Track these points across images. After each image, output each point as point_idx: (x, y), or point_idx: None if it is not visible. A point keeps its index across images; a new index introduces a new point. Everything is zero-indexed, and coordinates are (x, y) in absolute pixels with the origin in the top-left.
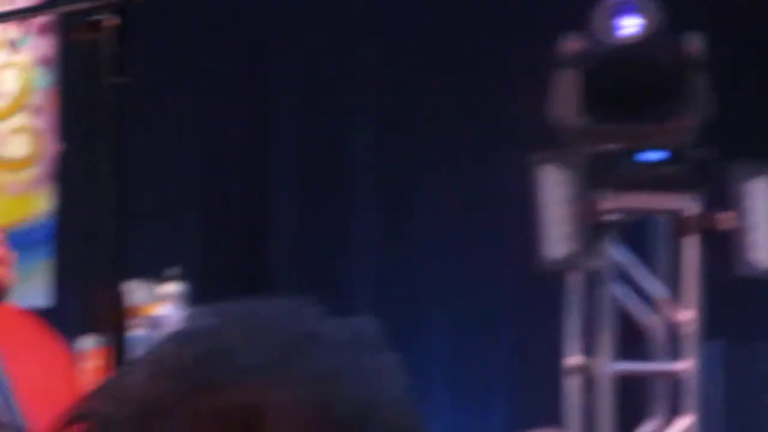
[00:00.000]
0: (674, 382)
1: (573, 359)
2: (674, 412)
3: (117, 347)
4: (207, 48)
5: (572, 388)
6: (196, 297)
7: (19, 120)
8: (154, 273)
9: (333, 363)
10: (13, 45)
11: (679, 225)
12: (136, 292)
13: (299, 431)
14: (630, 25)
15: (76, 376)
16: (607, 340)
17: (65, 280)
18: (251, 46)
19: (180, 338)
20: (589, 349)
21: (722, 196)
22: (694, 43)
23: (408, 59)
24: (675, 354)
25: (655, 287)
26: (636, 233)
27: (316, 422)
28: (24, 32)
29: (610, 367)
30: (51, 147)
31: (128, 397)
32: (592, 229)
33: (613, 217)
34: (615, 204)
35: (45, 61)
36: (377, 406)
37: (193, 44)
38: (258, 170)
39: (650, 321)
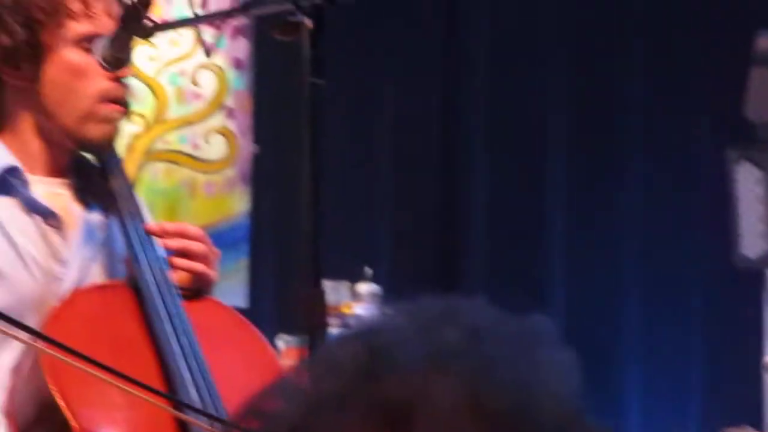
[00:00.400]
0: None
1: None
2: None
3: (314, 347)
4: (394, 53)
5: None
6: (389, 296)
7: (215, 122)
8: (349, 273)
9: (492, 357)
10: (209, 47)
11: None
12: (331, 291)
13: (453, 422)
14: None
15: (278, 372)
16: None
17: (260, 281)
18: (441, 42)
19: (349, 336)
20: None
21: None
22: None
23: (601, 50)
24: None
25: None
26: None
27: (470, 412)
28: (219, 35)
29: None
30: (246, 148)
31: (299, 393)
32: None
33: None
34: None
35: (239, 64)
36: (534, 398)
37: (384, 43)
38: (449, 168)
39: None
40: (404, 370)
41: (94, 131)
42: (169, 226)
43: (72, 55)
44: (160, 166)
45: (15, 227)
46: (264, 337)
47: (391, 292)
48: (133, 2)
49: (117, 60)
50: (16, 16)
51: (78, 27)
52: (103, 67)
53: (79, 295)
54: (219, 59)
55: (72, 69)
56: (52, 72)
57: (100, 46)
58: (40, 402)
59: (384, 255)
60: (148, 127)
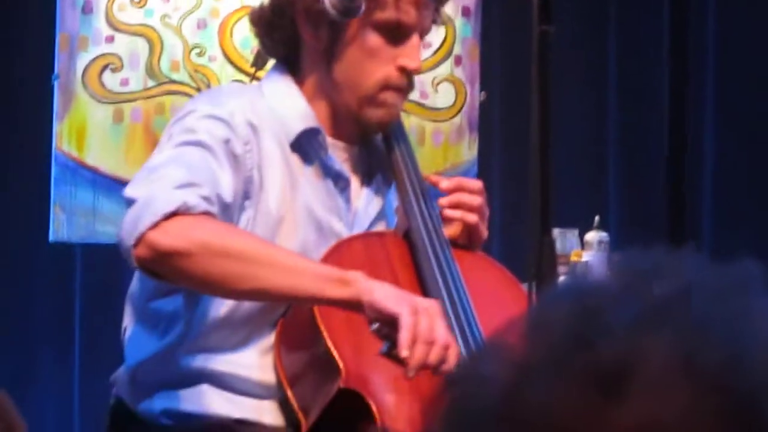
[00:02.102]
0: None
1: None
2: None
3: (543, 291)
4: None
5: None
6: (618, 244)
7: (443, 70)
8: (577, 221)
9: (705, 312)
10: None
11: None
12: (559, 239)
13: (668, 383)
14: None
15: None
16: None
17: (488, 228)
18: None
19: (557, 296)
20: None
21: None
22: None
23: None
24: None
25: None
26: None
27: (684, 372)
28: None
29: None
30: (473, 96)
31: (511, 356)
32: None
33: None
34: None
35: (466, 12)
36: (747, 350)
37: None
38: (679, 113)
39: None
40: (616, 333)
41: (372, 114)
42: (447, 179)
43: (371, 37)
44: None
45: (310, 191)
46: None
47: (619, 240)
48: None
49: (346, 8)
50: None
51: (383, 12)
52: (331, 15)
53: (347, 241)
54: (447, 7)
55: (366, 50)
56: (347, 48)
57: None
58: (308, 347)
59: (613, 202)
60: None
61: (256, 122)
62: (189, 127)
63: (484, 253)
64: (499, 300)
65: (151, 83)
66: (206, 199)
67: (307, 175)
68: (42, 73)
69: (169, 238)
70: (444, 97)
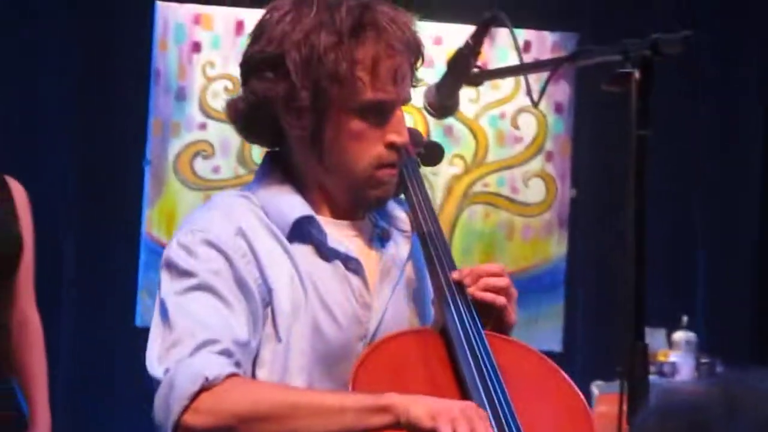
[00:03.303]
0: None
1: None
2: None
3: (633, 393)
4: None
5: None
6: (705, 346)
7: (534, 165)
8: (665, 320)
9: None
10: (537, 96)
11: None
12: (647, 338)
13: None
14: None
15: (588, 421)
16: None
17: (575, 325)
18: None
19: (664, 411)
20: None
21: None
22: None
23: None
24: None
25: None
26: None
27: None
28: (541, 79)
29: None
30: (564, 192)
31: None
32: None
33: None
34: None
35: (559, 108)
36: None
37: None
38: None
39: None
40: None
41: (370, 194)
42: (466, 269)
43: (354, 122)
44: (478, 209)
45: (317, 276)
46: (572, 383)
47: (706, 342)
48: (460, 50)
49: (444, 107)
50: (304, 80)
51: (363, 96)
52: (430, 114)
53: (385, 341)
54: (540, 103)
55: (352, 135)
56: (332, 133)
57: (427, 93)
58: None
59: (700, 302)
60: (468, 170)
61: (244, 226)
62: (185, 270)
63: (518, 340)
64: (539, 390)
65: (242, 171)
66: (225, 353)
67: (313, 263)
68: (133, 158)
69: (202, 417)
70: (534, 192)
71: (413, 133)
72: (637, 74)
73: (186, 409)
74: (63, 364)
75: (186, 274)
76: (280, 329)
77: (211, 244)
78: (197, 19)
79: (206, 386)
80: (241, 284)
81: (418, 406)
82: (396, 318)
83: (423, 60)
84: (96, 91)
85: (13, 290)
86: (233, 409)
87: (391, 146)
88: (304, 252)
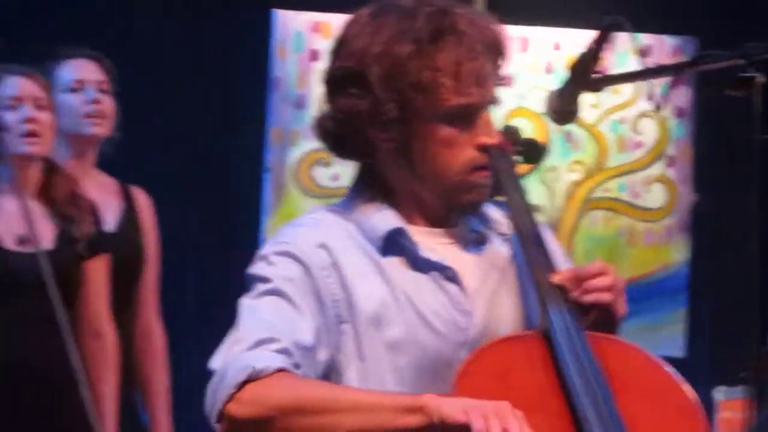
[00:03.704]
0: None
1: None
2: None
3: (758, 398)
4: None
5: None
6: None
7: (656, 170)
8: None
9: None
10: (660, 102)
11: None
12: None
13: None
14: None
15: (698, 419)
16: None
17: (697, 330)
18: None
19: None
20: None
21: None
22: None
23: None
24: None
25: None
26: None
27: None
28: (662, 83)
29: None
30: (686, 197)
31: None
32: None
33: None
34: None
35: (681, 113)
36: None
37: None
38: None
39: None
40: None
41: (464, 198)
42: (566, 272)
43: (442, 129)
44: (599, 214)
45: (411, 287)
46: (683, 381)
47: None
48: (582, 56)
49: (565, 113)
50: (388, 92)
51: (448, 102)
52: (552, 120)
53: (487, 348)
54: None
55: (442, 142)
56: (421, 142)
57: (548, 99)
58: None
59: None
60: (589, 175)
61: (329, 241)
62: (261, 277)
63: (624, 340)
64: (646, 390)
65: None
66: (283, 351)
67: (407, 275)
68: (253, 167)
69: (244, 407)
70: (655, 197)
71: (510, 131)
72: (760, 78)
73: (231, 398)
74: (182, 374)
75: (261, 280)
76: (364, 347)
77: (289, 254)
78: (316, 27)
79: (253, 377)
80: (315, 294)
81: (450, 403)
82: (498, 322)
83: (506, 58)
84: (216, 100)
85: (136, 301)
86: (275, 401)
87: (481, 148)
88: (397, 264)
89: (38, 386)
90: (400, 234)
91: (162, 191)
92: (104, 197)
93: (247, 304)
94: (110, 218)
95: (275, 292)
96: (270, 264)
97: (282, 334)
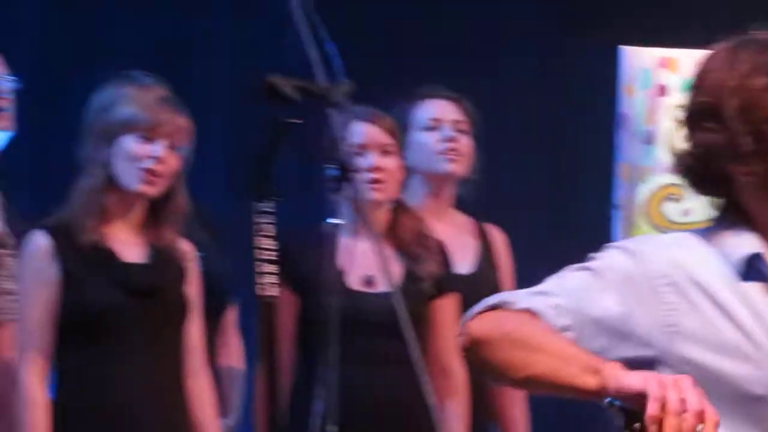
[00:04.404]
0: None
1: None
2: None
3: None
4: None
5: None
6: None
7: None
8: None
9: None
10: None
11: None
12: None
13: None
14: None
15: None
16: None
17: None
18: None
19: None
20: None
21: None
22: None
23: None
24: None
25: None
26: None
27: None
28: None
29: None
30: None
31: None
32: None
33: None
34: None
35: None
36: None
37: None
38: None
39: None
40: None
41: None
42: None
43: None
44: None
45: None
46: None
47: None
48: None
49: None
50: (744, 126)
51: None
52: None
53: None
54: None
55: None
56: None
57: None
58: None
59: None
60: None
61: (681, 257)
62: (590, 257)
63: None
64: None
65: (713, 213)
66: (555, 307)
67: (765, 302)
68: (602, 204)
69: (480, 326)
70: None
71: None
72: None
73: (477, 315)
74: None
75: (589, 259)
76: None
77: (628, 252)
78: (664, 63)
79: (500, 304)
80: (634, 294)
81: (633, 374)
82: None
83: None
84: (565, 137)
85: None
86: (507, 328)
87: None
88: (757, 291)
89: (405, 423)
90: (760, 259)
91: (512, 229)
92: (460, 237)
93: (563, 272)
94: (467, 258)
95: (590, 269)
96: (604, 253)
97: (566, 294)
